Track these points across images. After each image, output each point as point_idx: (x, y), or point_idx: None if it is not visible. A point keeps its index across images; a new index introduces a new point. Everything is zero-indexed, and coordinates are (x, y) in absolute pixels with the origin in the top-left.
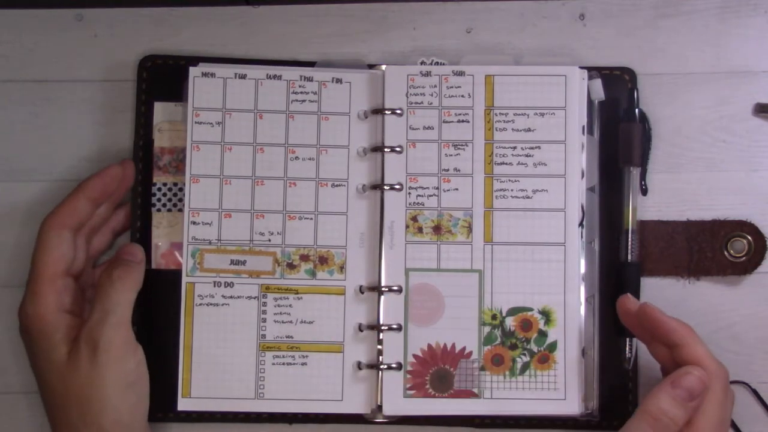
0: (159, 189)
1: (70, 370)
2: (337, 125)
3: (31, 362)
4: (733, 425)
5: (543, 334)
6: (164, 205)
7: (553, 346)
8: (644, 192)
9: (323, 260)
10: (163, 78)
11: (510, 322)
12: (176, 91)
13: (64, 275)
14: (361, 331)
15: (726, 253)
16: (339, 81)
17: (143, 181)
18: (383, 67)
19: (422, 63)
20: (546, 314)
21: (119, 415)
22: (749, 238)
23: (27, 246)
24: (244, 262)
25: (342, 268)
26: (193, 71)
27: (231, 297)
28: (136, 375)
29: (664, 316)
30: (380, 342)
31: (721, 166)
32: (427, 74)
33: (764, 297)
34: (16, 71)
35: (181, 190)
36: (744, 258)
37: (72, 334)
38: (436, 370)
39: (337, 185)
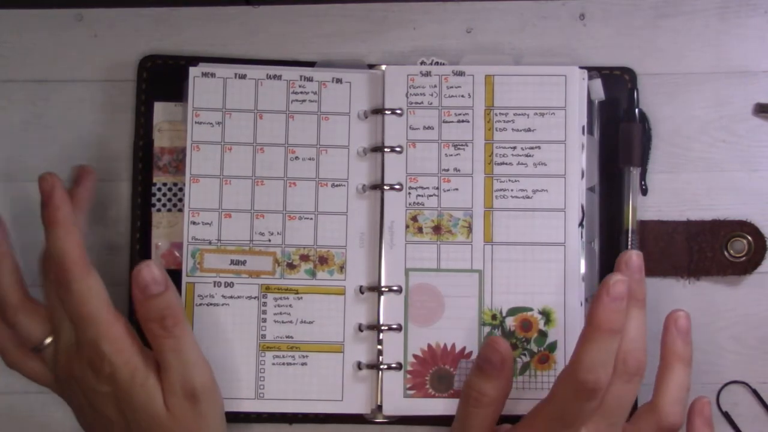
0: (159, 189)
1: (175, 422)
2: (337, 125)
3: (113, 414)
4: (733, 425)
5: (543, 335)
6: (164, 205)
7: (553, 347)
8: (644, 192)
9: (323, 260)
10: (163, 78)
11: (510, 322)
12: (176, 91)
13: (117, 309)
14: (361, 331)
15: (726, 253)
16: (339, 81)
17: (143, 181)
18: (383, 67)
19: (422, 63)
20: (546, 314)
21: None
22: (749, 238)
23: (26, 246)
24: (244, 262)
25: (342, 268)
26: (193, 71)
27: (231, 297)
28: (223, 404)
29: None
30: (380, 342)
31: (721, 166)
32: (427, 74)
33: (764, 297)
34: (16, 71)
35: (180, 190)
36: (744, 258)
37: (163, 378)
38: (436, 370)
39: (337, 185)
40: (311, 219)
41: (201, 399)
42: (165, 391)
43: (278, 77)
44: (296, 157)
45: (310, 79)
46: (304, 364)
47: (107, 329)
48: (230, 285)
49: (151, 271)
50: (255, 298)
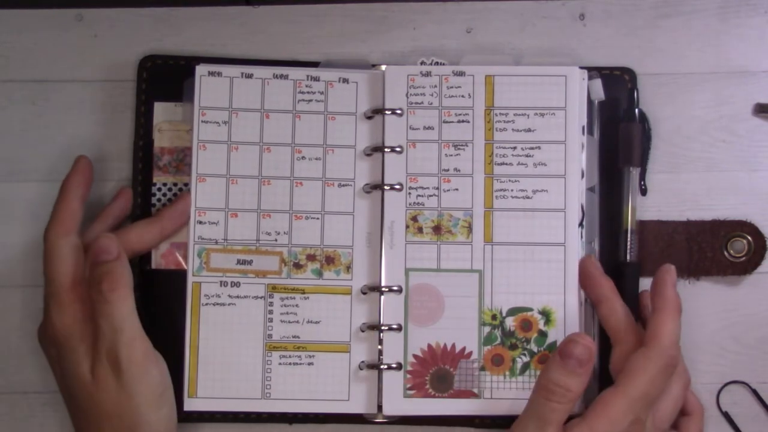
0: (159, 189)
1: (97, 389)
2: (344, 125)
3: (58, 378)
4: (733, 425)
5: (543, 335)
6: (164, 205)
7: (553, 347)
8: (644, 192)
9: (330, 260)
10: (163, 78)
11: (510, 322)
12: (176, 91)
13: (83, 281)
14: (362, 331)
15: (726, 253)
16: (346, 81)
17: (143, 181)
18: (383, 67)
19: (422, 63)
20: (546, 314)
21: (154, 428)
22: (749, 238)
23: (26, 246)
24: (250, 262)
25: (349, 268)
26: (200, 70)
27: (237, 297)
28: (163, 385)
29: (596, 271)
30: (381, 342)
31: (721, 166)
32: (428, 74)
33: (764, 297)
34: (16, 71)
35: (181, 190)
36: (744, 258)
37: (94, 346)
38: (436, 370)
39: (343, 185)
40: (318, 219)
41: (125, 371)
42: (94, 358)
43: (285, 77)
44: (303, 157)
45: (317, 79)
46: (310, 363)
47: (57, 291)
48: (237, 285)
49: (107, 242)
50: (261, 297)
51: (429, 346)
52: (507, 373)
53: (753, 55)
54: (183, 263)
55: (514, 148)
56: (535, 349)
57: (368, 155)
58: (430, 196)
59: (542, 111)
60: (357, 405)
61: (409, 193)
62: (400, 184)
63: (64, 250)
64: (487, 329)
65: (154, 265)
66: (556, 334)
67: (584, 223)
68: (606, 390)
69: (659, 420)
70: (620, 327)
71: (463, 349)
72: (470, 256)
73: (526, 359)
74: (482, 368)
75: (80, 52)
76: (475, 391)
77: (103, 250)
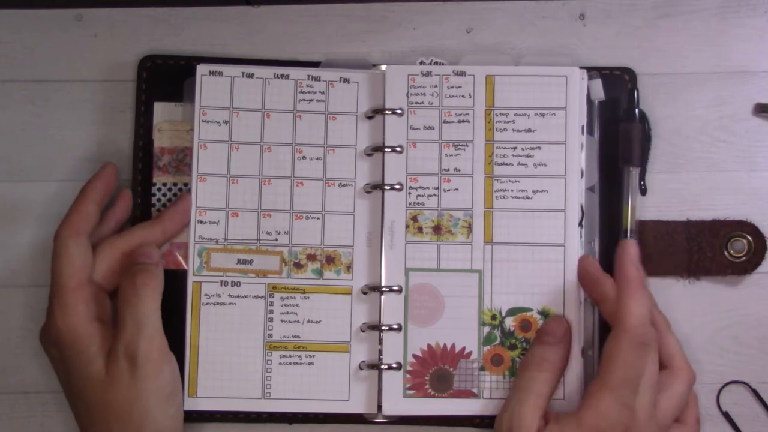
0: (159, 189)
1: (109, 385)
2: (345, 125)
3: (63, 377)
4: (733, 425)
5: None
6: (164, 205)
7: None
8: (643, 192)
9: (330, 260)
10: (163, 78)
11: (510, 323)
12: (176, 91)
13: (89, 283)
14: (363, 331)
15: (726, 253)
16: (347, 81)
17: (143, 181)
18: (383, 67)
19: (421, 63)
20: (546, 314)
21: (160, 427)
22: (749, 238)
23: (26, 246)
24: (251, 262)
25: (349, 268)
26: (201, 69)
27: (238, 296)
28: (173, 385)
29: (596, 270)
30: (381, 342)
31: (721, 166)
32: (428, 74)
33: (764, 297)
34: (16, 71)
35: (180, 190)
36: (744, 258)
37: (105, 344)
38: (436, 370)
39: (344, 185)
40: (318, 218)
41: (139, 365)
42: (110, 354)
43: (286, 77)
44: (303, 157)
45: (317, 79)
46: (310, 363)
47: (62, 292)
48: (237, 284)
49: (150, 250)
50: (262, 297)
51: (429, 346)
52: (506, 373)
53: (753, 55)
54: (183, 263)
55: (515, 148)
56: None
57: (369, 155)
58: (430, 196)
59: (542, 111)
60: (357, 405)
61: (409, 193)
62: (401, 184)
63: (72, 250)
64: (486, 329)
65: None
66: None
67: (584, 223)
68: (591, 382)
69: (662, 417)
70: None
71: (463, 349)
72: (470, 256)
73: None
74: (482, 368)
75: (80, 52)
76: (475, 391)
77: (145, 255)
